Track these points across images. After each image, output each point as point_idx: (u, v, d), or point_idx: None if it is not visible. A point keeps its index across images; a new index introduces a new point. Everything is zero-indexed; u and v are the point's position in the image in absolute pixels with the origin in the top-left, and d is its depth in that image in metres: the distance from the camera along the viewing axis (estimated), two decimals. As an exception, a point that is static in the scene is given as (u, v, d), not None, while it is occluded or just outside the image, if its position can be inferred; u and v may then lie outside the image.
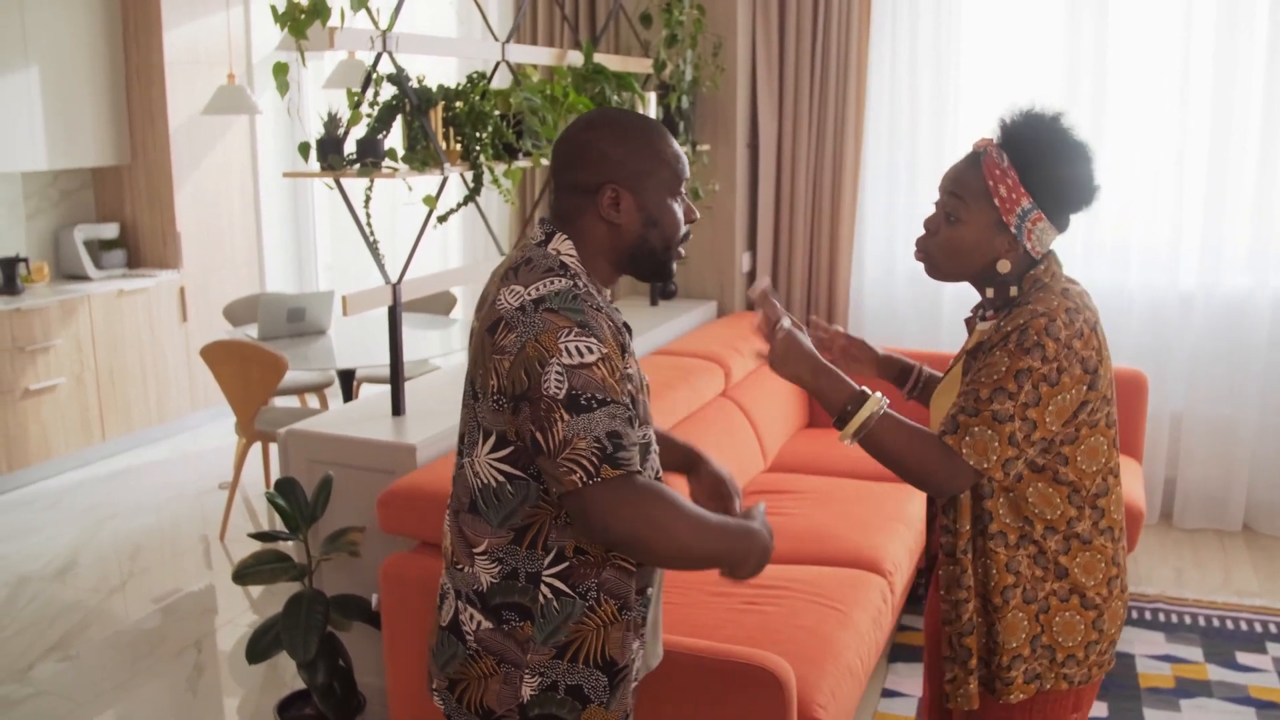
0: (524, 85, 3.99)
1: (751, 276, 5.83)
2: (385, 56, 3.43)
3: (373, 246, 3.50)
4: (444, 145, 3.62)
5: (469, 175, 3.71)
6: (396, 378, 3.63)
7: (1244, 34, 5.08)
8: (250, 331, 5.76)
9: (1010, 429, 2.04)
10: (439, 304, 6.38)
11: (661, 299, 5.59)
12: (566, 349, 1.80)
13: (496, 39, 4.08)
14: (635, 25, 5.22)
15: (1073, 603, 2.18)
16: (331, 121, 3.37)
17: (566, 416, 1.78)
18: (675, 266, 2.09)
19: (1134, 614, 4.57)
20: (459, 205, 3.67)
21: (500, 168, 3.82)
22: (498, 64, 4.14)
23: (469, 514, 1.98)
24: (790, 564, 3.73)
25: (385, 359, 5.50)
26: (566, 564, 1.94)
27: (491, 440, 1.90)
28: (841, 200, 5.62)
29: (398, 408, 3.65)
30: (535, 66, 4.34)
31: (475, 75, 3.68)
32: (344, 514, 3.48)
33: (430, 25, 6.98)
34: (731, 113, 5.50)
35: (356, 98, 3.38)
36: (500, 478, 1.91)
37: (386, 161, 3.46)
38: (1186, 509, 5.47)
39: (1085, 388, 2.07)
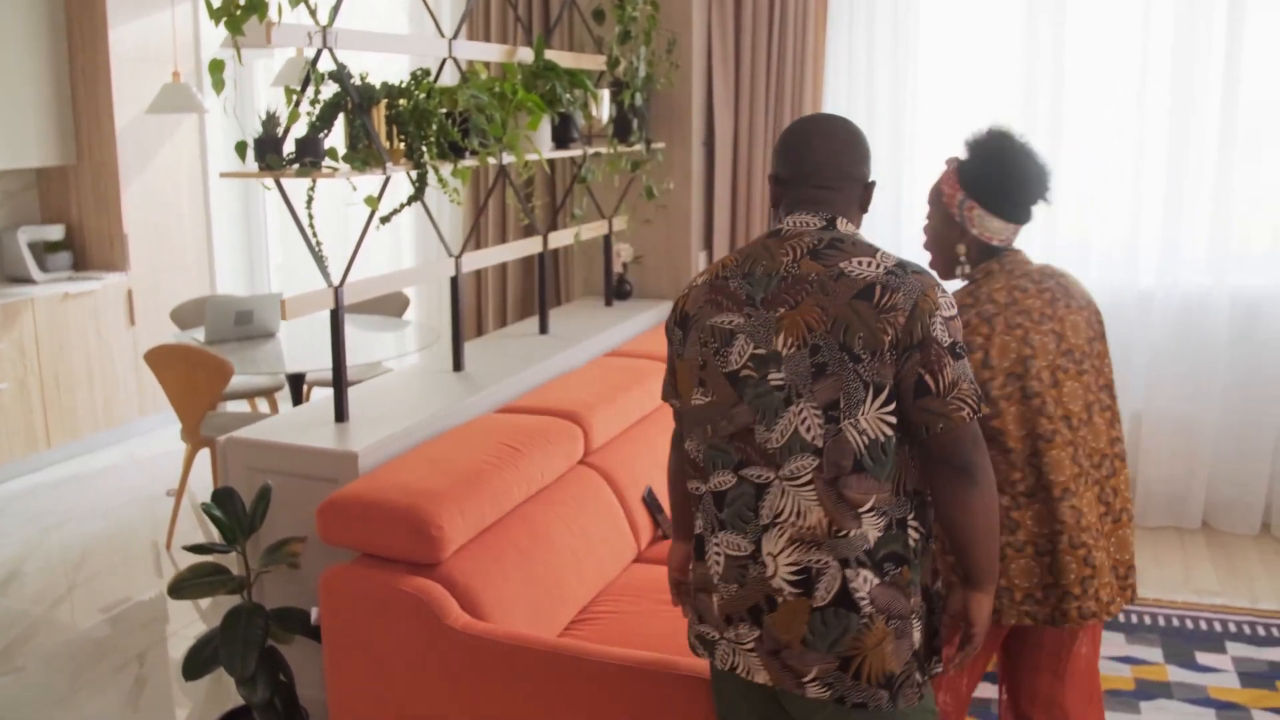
0: (471, 83, 3.90)
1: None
2: (328, 53, 3.34)
3: (314, 248, 3.41)
4: (387, 144, 3.53)
5: (416, 175, 3.62)
6: (339, 383, 3.54)
7: (1202, 33, 5.05)
8: (198, 335, 5.64)
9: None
10: (391, 305, 6.28)
11: (616, 299, 5.51)
12: (943, 303, 2.08)
13: (443, 35, 3.99)
14: (588, 21, 5.14)
15: (1027, 552, 2.55)
16: (270, 120, 3.27)
17: (951, 361, 2.06)
18: None
19: (1093, 615, 4.52)
20: (402, 206, 3.57)
21: (446, 168, 3.73)
22: (445, 61, 4.05)
23: (853, 475, 2.06)
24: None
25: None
26: (916, 507, 2.14)
27: (883, 395, 2.05)
28: (798, 198, 5.54)
29: (341, 414, 3.56)
30: (485, 64, 4.26)
31: (419, 72, 3.59)
32: (285, 524, 3.38)
33: (382, 23, 6.87)
34: (687, 110, 5.43)
35: (295, 96, 3.28)
36: (888, 430, 2.06)
37: (327, 161, 3.36)
38: (1147, 507, 5.44)
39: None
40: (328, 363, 5.20)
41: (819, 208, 2.20)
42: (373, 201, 3.40)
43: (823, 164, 2.22)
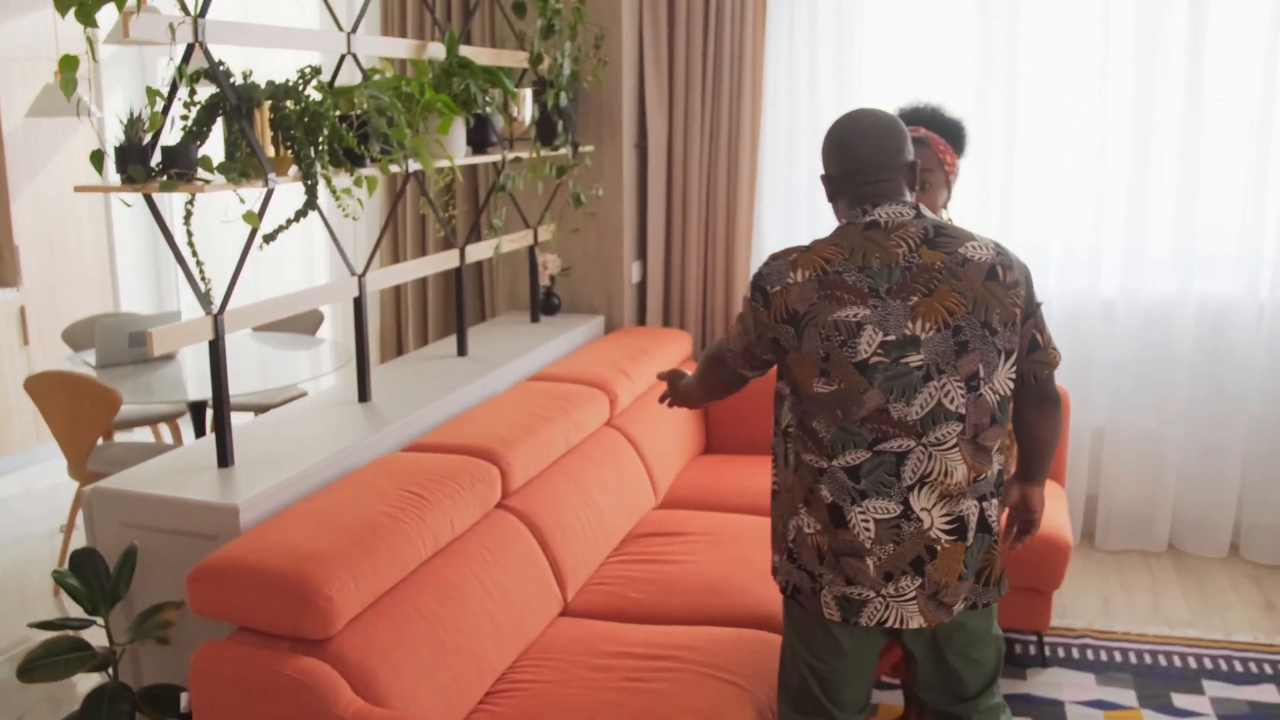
0: (370, 81, 3.49)
1: (642, 288, 5.39)
2: (214, 51, 2.93)
3: (190, 271, 2.98)
4: (272, 152, 3.11)
5: (306, 186, 3.20)
6: (221, 425, 3.12)
7: (1164, 30, 4.77)
8: (91, 357, 5.18)
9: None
10: (304, 322, 5.85)
11: (543, 314, 5.11)
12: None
13: (341, 29, 3.58)
14: (508, 15, 4.74)
15: None
16: (132, 125, 2.84)
17: (1043, 318, 2.53)
18: None
19: (1060, 651, 4.20)
20: (289, 222, 3.15)
21: (343, 178, 3.32)
22: (343, 58, 3.63)
23: (990, 428, 2.42)
24: (682, 625, 3.29)
25: (246, 386, 5.01)
26: None
27: (1011, 358, 2.42)
28: (738, 204, 5.20)
29: (224, 458, 3.13)
30: (391, 61, 3.85)
31: (308, 69, 3.18)
32: (162, 587, 2.96)
33: (293, 18, 6.40)
34: (617, 110, 5.05)
35: (161, 98, 2.86)
36: (1010, 384, 2.44)
37: (202, 172, 2.94)
38: (1110, 529, 5.14)
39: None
40: (237, 387, 4.79)
41: (898, 197, 2.43)
42: (253, 218, 2.98)
43: (885, 155, 2.43)
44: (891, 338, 2.32)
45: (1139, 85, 4.84)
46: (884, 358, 2.32)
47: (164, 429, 5.76)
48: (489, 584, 3.07)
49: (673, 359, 4.88)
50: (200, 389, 4.77)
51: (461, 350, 4.37)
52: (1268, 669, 4.06)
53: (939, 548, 2.41)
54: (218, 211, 3.33)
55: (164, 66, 7.19)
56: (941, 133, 3.09)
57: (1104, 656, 4.17)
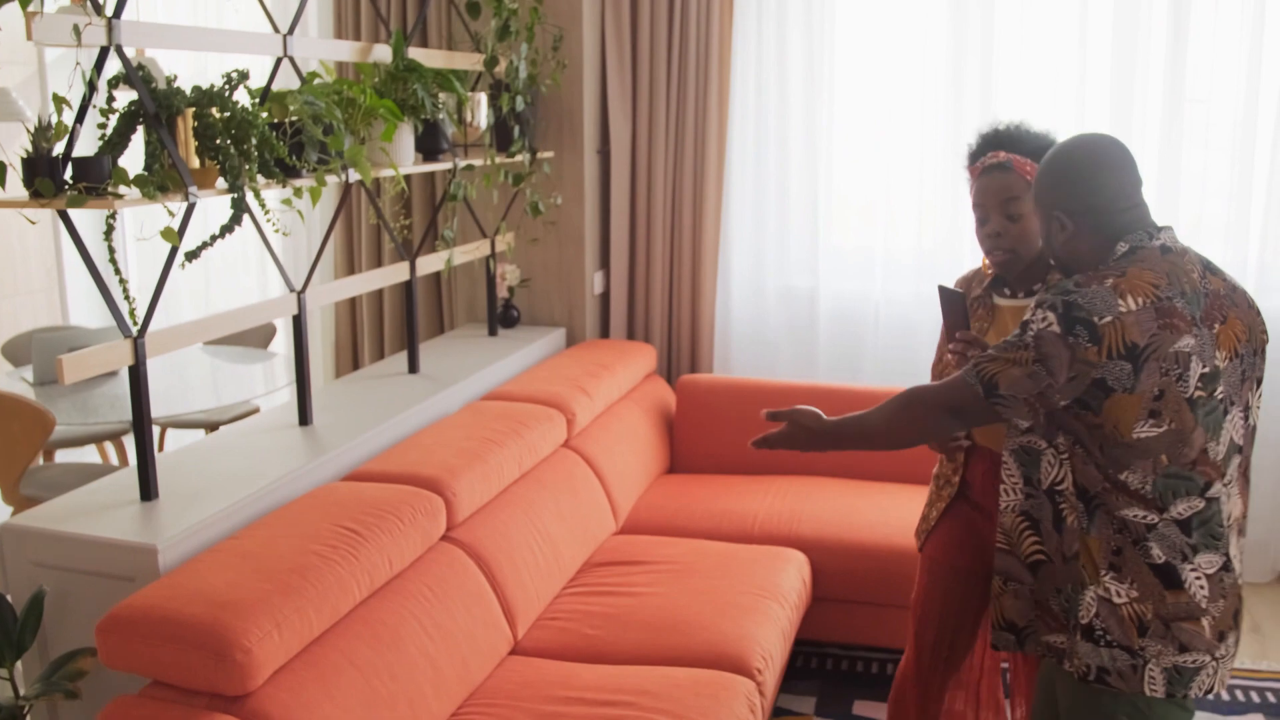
0: (305, 86, 3.28)
1: (605, 299, 5.18)
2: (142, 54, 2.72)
3: (105, 290, 2.77)
4: (197, 163, 2.90)
5: (234, 199, 2.99)
6: (143, 456, 2.90)
7: (1144, 32, 4.62)
8: (30, 374, 4.95)
9: None
10: (257, 336, 5.63)
11: (502, 327, 4.90)
12: None
13: (277, 30, 3.36)
14: (463, 15, 4.53)
15: None
16: (39, 134, 2.63)
17: None
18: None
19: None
20: (213, 239, 2.94)
21: (278, 192, 3.12)
22: (279, 61, 3.42)
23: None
24: (638, 665, 3.10)
25: (199, 402, 4.80)
26: None
27: (1260, 386, 2.31)
28: (704, 211, 5.00)
29: (148, 490, 2.92)
30: (332, 65, 3.65)
31: (235, 73, 2.96)
32: (78, 633, 2.75)
33: (248, 21, 6.17)
34: (578, 115, 4.84)
35: (68, 105, 2.65)
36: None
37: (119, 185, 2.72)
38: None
39: None
40: (184, 405, 4.58)
41: (1152, 222, 2.27)
42: (172, 235, 2.76)
43: (1135, 179, 2.28)
44: (1207, 370, 2.13)
45: (1117, 85, 4.67)
46: (1203, 392, 2.13)
47: (110, 447, 5.52)
48: (429, 625, 2.86)
49: (636, 374, 4.68)
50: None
51: (413, 367, 4.16)
52: (1255, 696, 3.89)
53: (1240, 594, 2.27)
54: (149, 226, 3.12)
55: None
56: (1034, 150, 2.69)
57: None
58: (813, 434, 2.43)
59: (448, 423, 3.69)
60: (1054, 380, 2.10)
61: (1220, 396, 2.15)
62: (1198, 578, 2.17)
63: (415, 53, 3.93)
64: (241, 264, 6.46)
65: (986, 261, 2.82)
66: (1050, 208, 2.28)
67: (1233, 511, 2.22)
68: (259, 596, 2.44)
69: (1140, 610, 2.19)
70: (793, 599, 3.56)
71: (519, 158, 4.52)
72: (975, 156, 2.75)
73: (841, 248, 5.11)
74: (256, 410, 5.26)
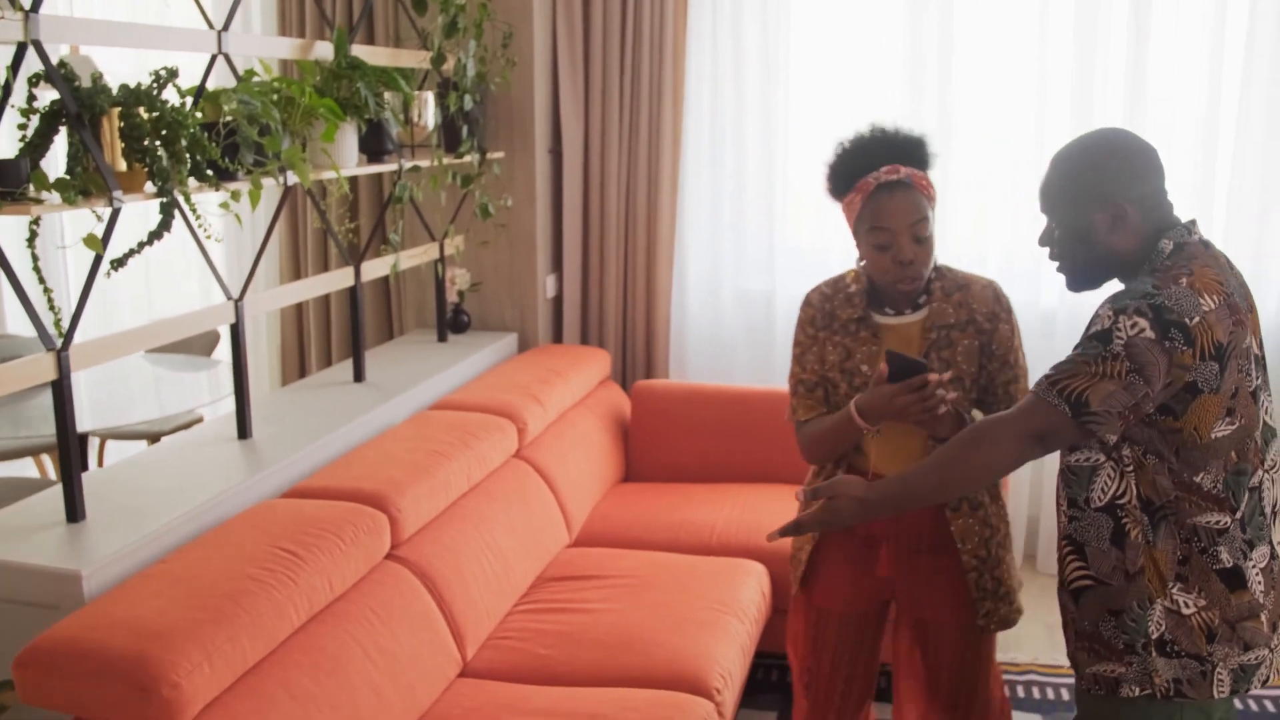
0: (240, 85, 3.13)
1: (558, 303, 5.06)
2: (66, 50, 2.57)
3: (25, 300, 2.62)
4: (124, 165, 2.75)
5: (163, 204, 2.85)
6: (69, 474, 2.74)
7: (1105, 30, 4.56)
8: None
9: None
10: (201, 343, 5.46)
11: (452, 332, 4.77)
12: None
13: (211, 25, 3.22)
14: (410, 11, 4.39)
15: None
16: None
17: None
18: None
19: (1005, 690, 3.94)
20: (140, 245, 2.80)
21: (213, 196, 2.97)
22: (214, 58, 3.27)
23: None
24: (593, 686, 2.98)
25: (141, 413, 4.65)
26: None
27: None
28: (659, 213, 4.89)
29: (74, 511, 2.77)
30: (273, 64, 3.50)
31: (164, 71, 2.82)
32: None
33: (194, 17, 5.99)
34: (529, 114, 4.71)
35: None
36: None
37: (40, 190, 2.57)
38: (1052, 551, 4.89)
39: None
40: (120, 417, 4.44)
41: (1178, 218, 2.21)
42: (95, 243, 2.62)
43: (1162, 172, 2.20)
44: (1254, 358, 2.14)
45: (1079, 84, 4.61)
46: (1259, 382, 2.14)
47: (48, 461, 5.34)
48: (373, 650, 2.73)
49: (590, 380, 4.56)
50: (84, 418, 4.38)
51: (358, 376, 4.02)
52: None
53: None
54: (82, 232, 2.97)
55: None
56: (914, 157, 2.57)
57: (1051, 694, 3.93)
58: (866, 505, 2.24)
59: (394, 434, 3.56)
60: (1150, 389, 2.01)
61: (1259, 384, 2.15)
62: (1256, 574, 2.14)
63: (359, 50, 3.79)
64: (183, 269, 6.28)
65: (855, 274, 2.70)
66: (1104, 199, 2.16)
67: (1277, 497, 2.21)
68: (189, 625, 2.30)
69: (1209, 618, 2.13)
70: (752, 613, 3.46)
71: (468, 158, 4.39)
72: (855, 171, 2.54)
73: (799, 249, 5.01)
74: (200, 420, 5.11)
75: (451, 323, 4.76)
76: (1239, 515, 2.12)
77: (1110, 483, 2.15)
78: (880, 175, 2.50)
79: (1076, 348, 2.06)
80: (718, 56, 4.89)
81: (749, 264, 5.00)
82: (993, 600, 2.69)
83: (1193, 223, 2.19)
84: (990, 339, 2.63)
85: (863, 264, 2.63)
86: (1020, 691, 3.94)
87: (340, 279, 3.86)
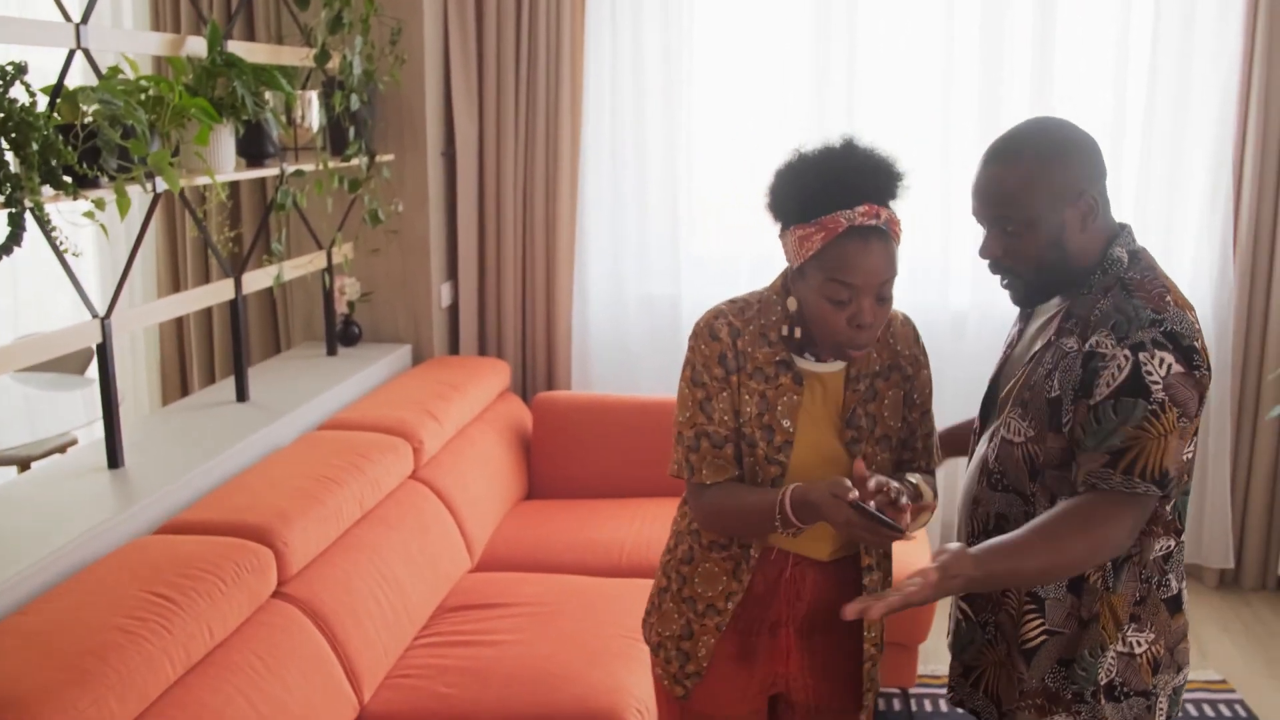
0: (102, 83, 2.87)
1: (454, 312, 4.83)
2: None
3: None
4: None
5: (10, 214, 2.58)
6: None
7: (1010, 31, 4.50)
8: None
9: None
10: (73, 361, 5.14)
11: (342, 345, 4.51)
12: None
13: (69, 18, 2.95)
14: (291, 7, 4.14)
15: None
16: None
17: None
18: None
19: (928, 704, 3.83)
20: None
21: (78, 204, 2.71)
22: (72, 53, 3.00)
23: None
24: (501, 729, 2.77)
25: (11, 437, 4.35)
26: None
27: None
28: (558, 217, 4.69)
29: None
30: (141, 61, 3.24)
31: (11, 66, 2.55)
32: None
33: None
34: (420, 114, 4.49)
35: None
36: None
37: None
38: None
39: None
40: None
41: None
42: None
43: None
44: None
45: (985, 87, 4.56)
46: None
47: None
48: (259, 700, 2.49)
49: (488, 393, 4.35)
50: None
51: (241, 395, 3.76)
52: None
53: None
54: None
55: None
56: (888, 190, 2.04)
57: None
58: (972, 583, 1.85)
59: (280, 458, 3.31)
60: (1195, 425, 1.89)
61: None
62: (1184, 591, 2.07)
63: (236, 46, 3.54)
64: (57, 281, 5.92)
65: (769, 303, 2.16)
66: (1079, 194, 1.97)
67: None
68: (48, 689, 2.05)
69: (1156, 651, 2.03)
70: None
71: (355, 161, 4.15)
72: (817, 196, 1.99)
73: (704, 253, 4.86)
74: (75, 442, 4.81)
75: (341, 335, 4.51)
76: (1182, 536, 2.02)
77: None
78: (855, 216, 1.96)
79: (1096, 401, 1.86)
80: (617, 52, 4.71)
81: (653, 268, 4.83)
82: (871, 694, 2.29)
83: (1129, 227, 2.06)
84: (913, 385, 2.23)
85: (791, 303, 2.12)
86: (943, 706, 3.82)
87: (219, 292, 3.60)
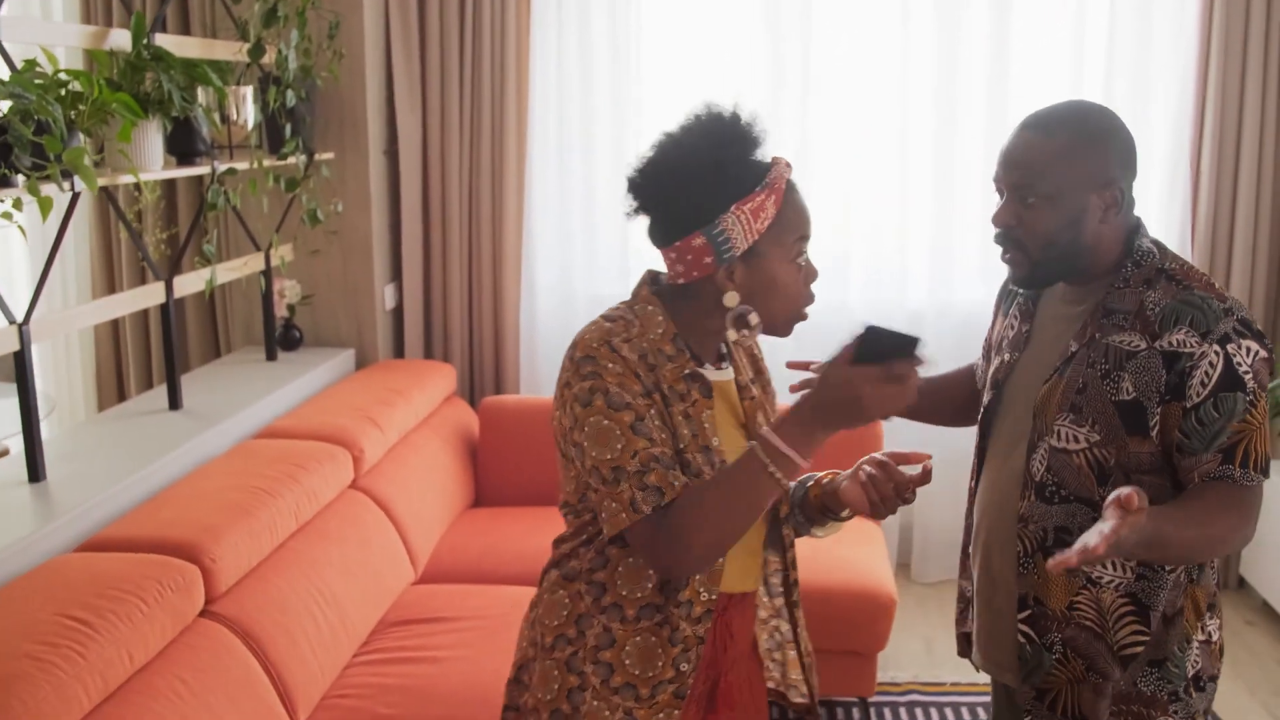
0: (14, 76, 2.73)
1: (398, 314, 4.70)
2: None
3: None
4: None
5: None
6: None
7: (967, 26, 4.45)
8: None
9: None
10: (4, 368, 4.96)
11: (282, 349, 4.37)
12: None
13: (-18, 12, 2.81)
14: (224, -2, 3.99)
15: None
16: None
17: None
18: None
19: (887, 713, 3.74)
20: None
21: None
22: (-14, 48, 2.86)
23: None
24: (442, 752, 2.65)
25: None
26: None
27: None
28: (505, 216, 4.57)
29: None
30: (61, 54, 3.09)
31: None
32: None
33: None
34: (360, 111, 4.35)
35: None
36: None
37: None
38: (926, 560, 4.75)
39: None
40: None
41: None
42: None
43: None
44: None
45: (941, 81, 4.51)
46: None
47: None
48: (185, 727, 2.36)
49: (434, 397, 4.23)
50: None
51: (174, 403, 3.61)
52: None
53: None
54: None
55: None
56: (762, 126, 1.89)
57: (934, 714, 3.74)
58: (1143, 533, 1.66)
59: (212, 469, 3.17)
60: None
61: None
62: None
63: (165, 40, 3.40)
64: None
65: (645, 314, 1.90)
66: (1107, 182, 1.92)
67: None
68: (-53, 723, 1.92)
69: (1222, 634, 2.06)
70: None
71: (292, 160, 4.01)
72: (752, 169, 1.82)
73: (655, 252, 4.73)
74: (6, 452, 4.63)
75: (282, 339, 4.36)
76: None
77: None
78: (784, 168, 1.82)
79: (1195, 403, 1.82)
80: (564, 48, 4.60)
81: (602, 269, 4.72)
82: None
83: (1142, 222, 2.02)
84: (768, 393, 2.04)
85: (731, 299, 1.84)
86: (904, 714, 3.73)
87: (149, 295, 3.46)
